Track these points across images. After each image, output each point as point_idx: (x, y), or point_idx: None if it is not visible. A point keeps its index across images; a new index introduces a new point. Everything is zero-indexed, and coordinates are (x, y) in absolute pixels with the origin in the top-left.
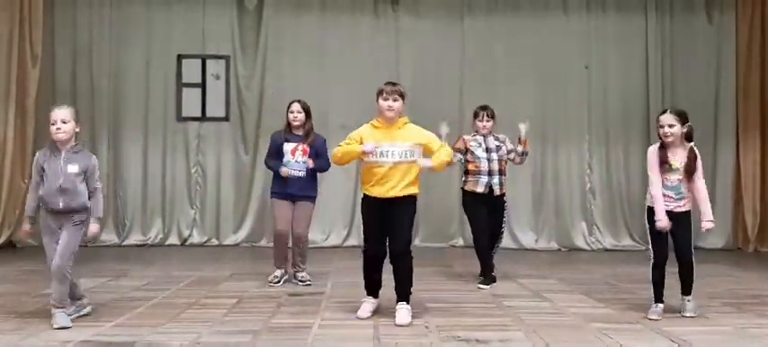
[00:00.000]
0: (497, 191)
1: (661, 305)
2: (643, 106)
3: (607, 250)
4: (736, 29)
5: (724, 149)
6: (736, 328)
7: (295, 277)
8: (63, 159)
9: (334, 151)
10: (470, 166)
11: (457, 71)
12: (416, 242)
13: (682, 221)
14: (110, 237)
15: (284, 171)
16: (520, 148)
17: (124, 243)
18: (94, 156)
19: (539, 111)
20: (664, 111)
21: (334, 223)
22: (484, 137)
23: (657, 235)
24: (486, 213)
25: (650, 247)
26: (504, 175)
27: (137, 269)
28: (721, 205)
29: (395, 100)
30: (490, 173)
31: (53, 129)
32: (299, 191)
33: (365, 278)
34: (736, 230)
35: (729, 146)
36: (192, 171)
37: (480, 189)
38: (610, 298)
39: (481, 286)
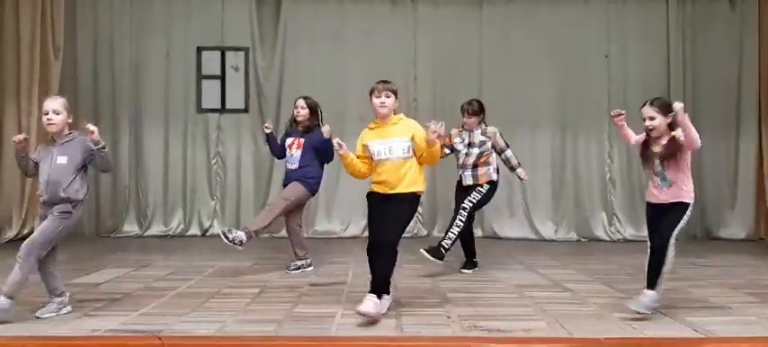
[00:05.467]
0: (466, 182)
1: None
2: (664, 95)
3: (627, 240)
4: (759, 15)
5: (746, 137)
6: (759, 318)
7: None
8: (56, 151)
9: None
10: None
11: (475, 60)
12: (434, 232)
13: (668, 211)
14: (132, 228)
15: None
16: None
17: (146, 233)
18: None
19: (558, 100)
20: (644, 103)
21: (352, 214)
22: (470, 132)
23: (651, 226)
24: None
25: (648, 239)
26: (479, 168)
27: (159, 259)
28: (743, 194)
29: (387, 96)
30: (463, 167)
31: (44, 119)
32: (294, 177)
33: (370, 273)
34: (758, 220)
35: (752, 134)
36: (212, 162)
37: (461, 180)
38: (631, 289)
39: (462, 270)
